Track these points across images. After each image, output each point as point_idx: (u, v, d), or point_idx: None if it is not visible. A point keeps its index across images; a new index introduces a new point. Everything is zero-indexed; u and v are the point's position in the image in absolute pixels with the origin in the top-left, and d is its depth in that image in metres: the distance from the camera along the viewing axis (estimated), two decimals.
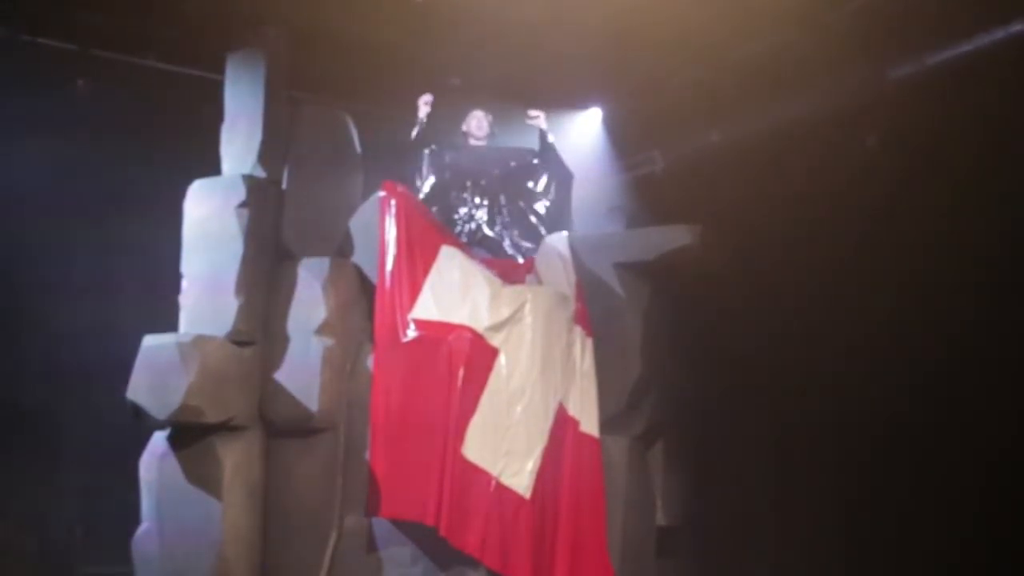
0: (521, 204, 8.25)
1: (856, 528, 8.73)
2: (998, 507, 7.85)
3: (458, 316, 7.23)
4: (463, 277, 7.40)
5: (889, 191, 8.63)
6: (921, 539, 8.25)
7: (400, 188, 7.69)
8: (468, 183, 8.17)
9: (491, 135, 8.42)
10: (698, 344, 8.26)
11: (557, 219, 8.25)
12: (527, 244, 8.14)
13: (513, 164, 8.29)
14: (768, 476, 9.17)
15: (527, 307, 7.30)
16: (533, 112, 8.30)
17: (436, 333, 7.20)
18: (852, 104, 8.73)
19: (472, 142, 8.40)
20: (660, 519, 7.76)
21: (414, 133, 8.20)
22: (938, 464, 8.16)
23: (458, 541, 6.83)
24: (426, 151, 8.19)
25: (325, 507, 7.38)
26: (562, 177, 8.35)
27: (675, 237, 7.58)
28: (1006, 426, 7.88)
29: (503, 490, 6.94)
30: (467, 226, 8.08)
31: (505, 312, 7.26)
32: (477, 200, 8.15)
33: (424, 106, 8.19)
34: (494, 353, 7.15)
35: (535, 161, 8.33)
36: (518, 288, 7.51)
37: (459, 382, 7.01)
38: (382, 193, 7.57)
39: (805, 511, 8.98)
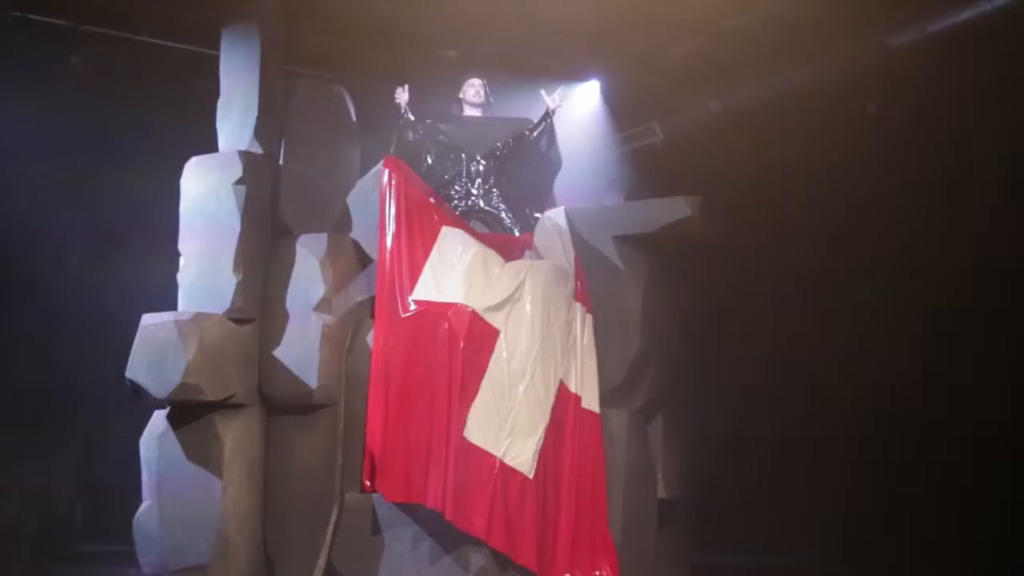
0: (517, 175, 8.14)
1: (853, 497, 8.75)
2: (999, 477, 7.86)
3: (459, 297, 7.20)
4: (463, 257, 7.36)
5: (890, 159, 8.61)
6: (916, 505, 8.27)
7: (401, 165, 7.63)
8: (463, 156, 8.07)
9: (487, 103, 8.27)
10: (698, 316, 8.25)
11: (540, 200, 8.14)
12: (524, 216, 8.05)
13: (510, 137, 8.17)
14: (768, 447, 9.19)
15: (526, 285, 7.26)
16: (556, 102, 8.10)
17: (436, 310, 7.16)
18: (852, 72, 8.68)
19: (468, 111, 8.27)
20: (661, 491, 7.76)
21: (400, 128, 8.04)
22: (939, 436, 8.16)
23: (464, 524, 6.82)
24: (415, 125, 8.05)
25: (325, 483, 7.38)
26: (554, 160, 8.20)
27: (675, 209, 7.55)
28: (1010, 389, 7.88)
29: (507, 471, 6.93)
30: (465, 201, 8.00)
31: (505, 292, 7.23)
32: (473, 171, 8.05)
33: (401, 95, 8.02)
34: (494, 335, 7.12)
35: (531, 135, 8.16)
36: (517, 265, 7.47)
37: (459, 361, 6.98)
38: (383, 170, 7.51)
39: (804, 482, 9.00)
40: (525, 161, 8.13)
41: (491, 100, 8.27)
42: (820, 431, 8.94)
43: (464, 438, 6.91)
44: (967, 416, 8.03)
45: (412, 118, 8.00)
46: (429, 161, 8.05)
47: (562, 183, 8.33)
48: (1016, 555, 7.65)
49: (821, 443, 8.91)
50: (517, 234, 7.93)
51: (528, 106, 8.40)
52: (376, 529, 7.05)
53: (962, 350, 8.12)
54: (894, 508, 8.45)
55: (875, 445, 8.63)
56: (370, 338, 7.32)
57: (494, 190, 8.02)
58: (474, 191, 8.00)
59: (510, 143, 8.11)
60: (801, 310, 9.08)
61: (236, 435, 7.44)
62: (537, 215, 8.01)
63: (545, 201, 8.17)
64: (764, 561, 8.91)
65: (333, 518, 7.29)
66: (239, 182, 7.65)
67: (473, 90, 8.22)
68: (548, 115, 8.12)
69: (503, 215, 7.99)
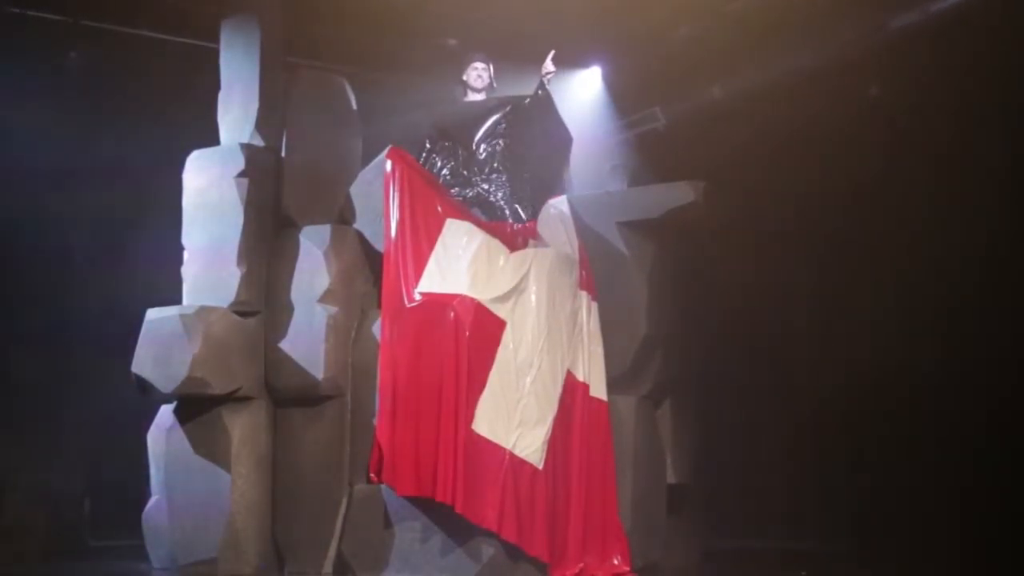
0: (512, 163, 8.04)
1: (864, 481, 8.74)
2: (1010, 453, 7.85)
3: (464, 288, 7.14)
4: (468, 249, 7.31)
5: (893, 141, 8.58)
6: (927, 490, 8.26)
7: (404, 155, 7.59)
8: (460, 150, 8.01)
9: (490, 88, 8.16)
10: (704, 301, 8.23)
11: (551, 182, 8.02)
12: (525, 205, 7.98)
13: (503, 115, 8.01)
14: (777, 432, 9.18)
15: (531, 275, 7.23)
16: (549, 67, 7.91)
17: (442, 300, 7.13)
18: (854, 54, 8.65)
19: (470, 95, 8.16)
20: (670, 477, 7.76)
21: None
22: (952, 421, 8.14)
23: (475, 517, 6.79)
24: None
25: (334, 475, 7.36)
26: (559, 139, 8.07)
27: (678, 194, 7.54)
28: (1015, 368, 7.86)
29: (517, 462, 6.89)
30: (464, 190, 7.95)
31: (510, 282, 7.20)
32: (472, 159, 7.98)
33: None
34: (501, 326, 7.08)
35: (523, 107, 7.96)
36: (521, 255, 7.42)
37: (466, 353, 6.94)
38: (387, 160, 7.48)
39: (814, 466, 8.99)
40: (525, 139, 7.99)
41: (495, 84, 8.18)
42: (829, 414, 8.92)
43: (472, 430, 6.87)
44: (980, 404, 8.01)
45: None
46: (427, 145, 8.03)
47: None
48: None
49: (830, 426, 8.90)
50: (511, 221, 7.87)
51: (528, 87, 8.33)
52: (386, 520, 7.03)
53: (974, 336, 8.08)
54: (904, 492, 8.44)
55: (886, 428, 8.60)
56: (376, 328, 7.31)
57: (492, 176, 7.95)
58: (474, 179, 7.95)
59: (504, 122, 8.00)
60: (808, 293, 9.06)
61: (243, 428, 7.43)
62: (528, 206, 7.93)
63: (556, 182, 8.03)
64: (774, 545, 8.90)
65: (342, 509, 7.28)
66: (241, 175, 7.63)
67: (476, 73, 8.12)
68: (541, 84, 7.94)
69: (503, 204, 7.92)
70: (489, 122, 8.01)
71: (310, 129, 7.83)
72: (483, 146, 7.99)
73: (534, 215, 7.87)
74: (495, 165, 7.96)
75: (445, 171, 8.00)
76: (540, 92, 7.98)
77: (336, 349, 7.38)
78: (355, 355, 7.45)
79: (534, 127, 7.99)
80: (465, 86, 8.16)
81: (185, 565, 7.39)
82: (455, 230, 7.41)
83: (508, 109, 8.02)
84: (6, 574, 8.13)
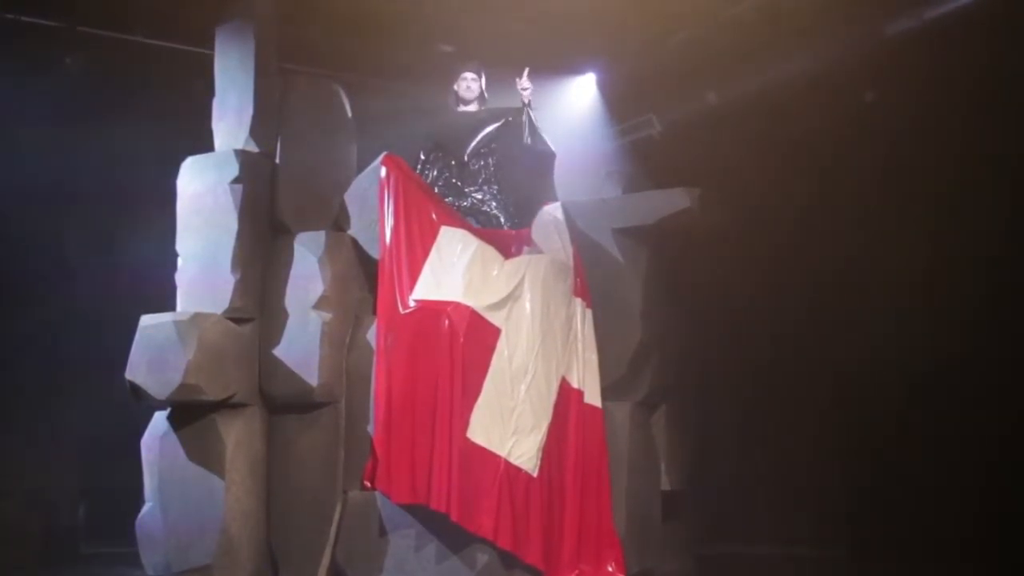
0: (503, 176, 8.04)
1: (858, 487, 8.74)
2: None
3: (458, 295, 7.15)
4: (463, 257, 7.32)
5: (888, 147, 8.59)
6: (922, 497, 8.26)
7: (399, 162, 7.58)
8: (452, 156, 8.02)
9: (481, 98, 8.16)
10: (699, 307, 8.23)
11: (538, 196, 8.00)
12: (523, 214, 7.98)
13: (493, 130, 8.00)
14: (772, 438, 9.18)
15: (525, 282, 7.24)
16: (524, 84, 7.90)
17: (436, 307, 7.13)
18: (850, 60, 8.66)
19: (462, 106, 8.18)
20: (664, 483, 7.76)
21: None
22: (946, 421, 8.14)
23: (472, 525, 6.80)
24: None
25: (328, 481, 7.35)
26: (538, 151, 8.00)
27: (674, 201, 7.54)
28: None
29: (513, 470, 6.90)
30: (458, 201, 7.95)
31: (504, 290, 7.20)
32: (464, 171, 7.98)
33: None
34: (495, 334, 7.08)
35: (510, 124, 7.95)
36: (516, 262, 7.43)
37: (460, 360, 6.95)
38: (381, 167, 7.48)
39: (808, 471, 8.99)
40: (512, 154, 7.99)
41: (486, 95, 8.19)
42: (824, 419, 8.92)
43: (467, 439, 6.88)
44: (980, 408, 8.01)
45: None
46: (422, 156, 8.04)
47: (559, 176, 8.29)
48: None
49: (825, 432, 8.89)
50: (506, 228, 7.85)
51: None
52: (380, 527, 7.03)
53: (972, 341, 8.09)
54: (901, 497, 8.44)
55: (882, 433, 8.61)
56: (370, 335, 7.31)
57: (484, 187, 7.96)
58: (467, 190, 7.95)
59: (496, 134, 8.00)
60: (803, 300, 9.06)
61: (238, 435, 7.42)
62: (522, 215, 7.94)
63: (544, 195, 8.05)
64: (769, 551, 8.90)
65: (336, 516, 7.27)
66: (236, 181, 7.62)
67: (465, 84, 8.10)
68: (524, 103, 7.92)
69: (499, 214, 7.92)
70: (481, 135, 8.01)
71: (305, 135, 7.83)
72: (475, 158, 7.99)
73: (522, 227, 7.86)
74: (487, 177, 7.96)
75: (440, 182, 7.99)
76: (524, 114, 7.93)
77: (331, 356, 7.37)
78: (350, 362, 7.44)
79: (520, 143, 7.97)
80: (456, 96, 8.16)
81: (180, 572, 7.36)
82: (450, 237, 7.42)
83: (501, 123, 8.02)
84: None
